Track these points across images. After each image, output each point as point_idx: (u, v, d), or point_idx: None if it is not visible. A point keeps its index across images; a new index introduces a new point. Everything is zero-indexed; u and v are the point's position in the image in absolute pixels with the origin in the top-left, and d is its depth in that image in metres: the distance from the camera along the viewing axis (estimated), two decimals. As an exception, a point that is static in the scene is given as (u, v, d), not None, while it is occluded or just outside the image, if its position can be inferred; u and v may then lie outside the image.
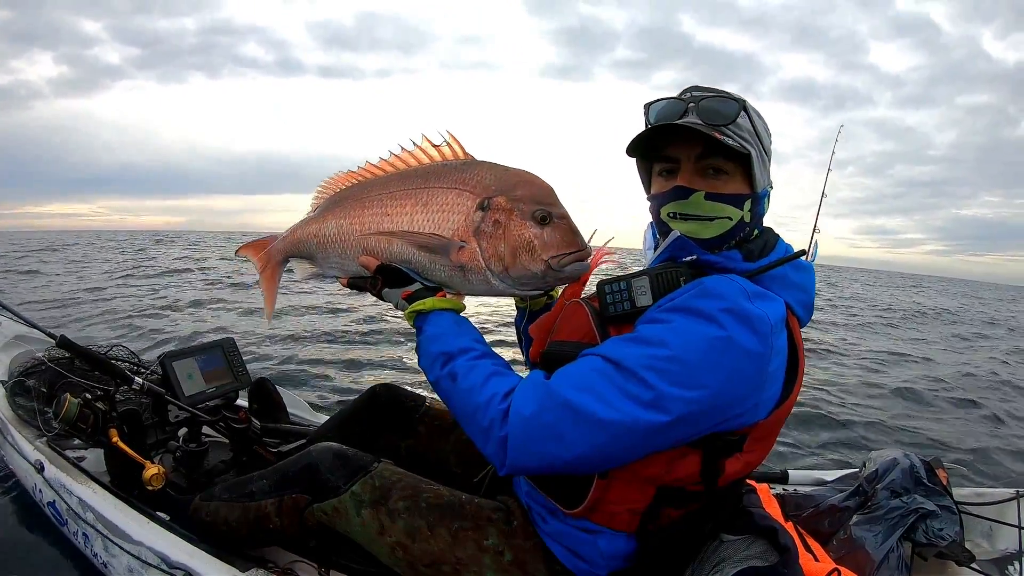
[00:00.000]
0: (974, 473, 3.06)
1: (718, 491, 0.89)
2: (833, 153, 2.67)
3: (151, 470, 1.32)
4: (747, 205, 0.92)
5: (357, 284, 1.08)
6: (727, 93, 0.91)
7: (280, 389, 2.05)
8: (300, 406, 2.24)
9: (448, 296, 1.00)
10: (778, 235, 1.00)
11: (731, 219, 0.92)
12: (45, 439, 1.64)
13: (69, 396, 1.37)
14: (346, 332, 5.98)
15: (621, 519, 0.90)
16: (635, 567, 0.91)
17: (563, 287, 1.06)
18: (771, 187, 0.96)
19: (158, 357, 1.80)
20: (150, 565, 1.24)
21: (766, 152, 0.93)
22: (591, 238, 1.01)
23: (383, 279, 1.02)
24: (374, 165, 1.09)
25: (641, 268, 0.95)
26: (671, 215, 0.93)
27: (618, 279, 0.92)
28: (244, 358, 1.93)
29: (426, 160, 1.04)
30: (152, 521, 1.31)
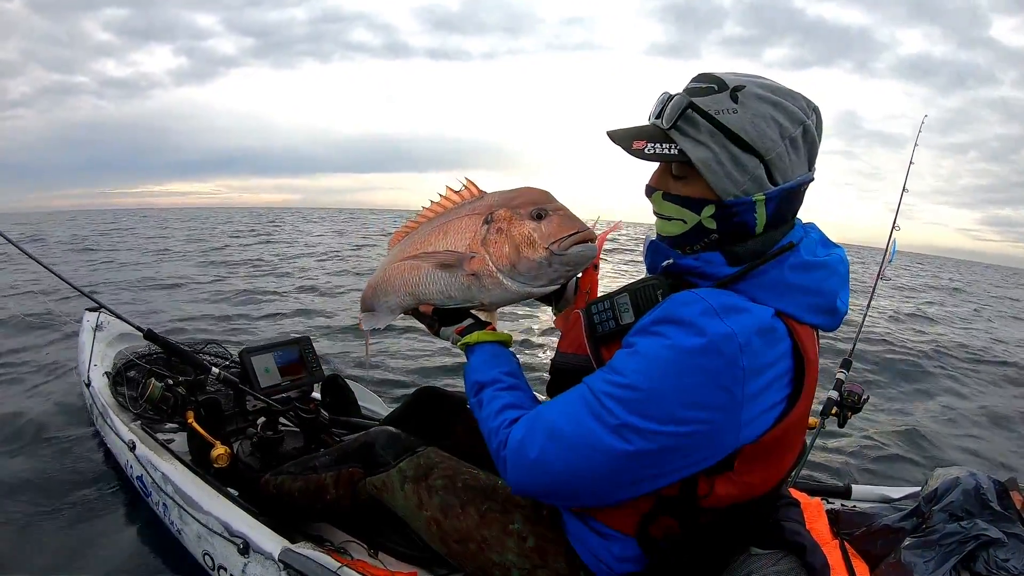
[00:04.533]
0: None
1: (705, 510, 0.85)
2: (916, 145, 2.50)
3: (218, 449, 1.47)
4: (707, 211, 0.84)
5: (417, 317, 1.18)
6: (702, 82, 0.83)
7: (353, 384, 2.20)
8: (372, 400, 2.37)
9: (498, 331, 1.09)
10: (796, 228, 0.89)
11: (685, 222, 0.87)
12: (139, 422, 1.86)
13: (154, 380, 1.54)
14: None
15: (628, 522, 0.90)
16: (648, 572, 0.91)
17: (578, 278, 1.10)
18: (763, 195, 0.82)
19: (238, 352, 1.99)
20: (215, 533, 1.39)
21: (754, 152, 0.80)
22: (595, 224, 1.03)
23: (440, 319, 1.12)
24: (411, 221, 1.23)
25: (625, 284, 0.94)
26: (653, 211, 0.94)
27: (603, 298, 0.93)
28: (321, 355, 2.09)
29: (450, 205, 1.16)
30: (221, 495, 1.46)
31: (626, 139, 0.86)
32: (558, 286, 1.05)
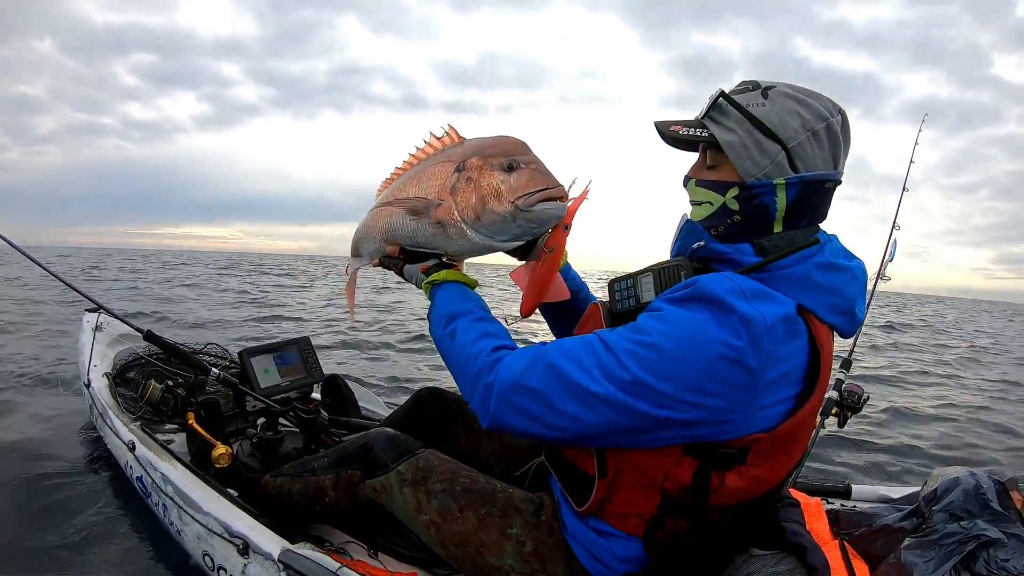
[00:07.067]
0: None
1: (712, 507, 0.86)
2: (917, 143, 2.49)
3: (219, 449, 1.48)
4: (731, 192, 0.89)
5: (384, 263, 1.18)
6: (740, 86, 0.91)
7: (354, 384, 2.20)
8: (373, 401, 2.38)
9: (464, 273, 1.08)
10: (819, 231, 0.92)
11: (712, 204, 0.91)
12: (139, 423, 1.85)
13: (154, 382, 1.55)
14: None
15: (631, 523, 0.91)
16: (647, 573, 0.91)
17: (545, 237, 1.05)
18: (784, 180, 0.86)
19: (238, 352, 1.99)
20: (215, 533, 1.39)
21: (776, 139, 0.85)
22: (571, 187, 1.00)
23: (406, 257, 1.13)
24: (398, 167, 1.22)
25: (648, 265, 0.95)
26: (689, 200, 0.98)
27: (627, 276, 0.95)
28: (321, 355, 2.09)
29: (432, 152, 1.15)
30: (221, 496, 1.46)
31: (666, 125, 0.94)
32: (523, 242, 1.04)
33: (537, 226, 0.99)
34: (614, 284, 0.95)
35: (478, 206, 0.98)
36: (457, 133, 1.12)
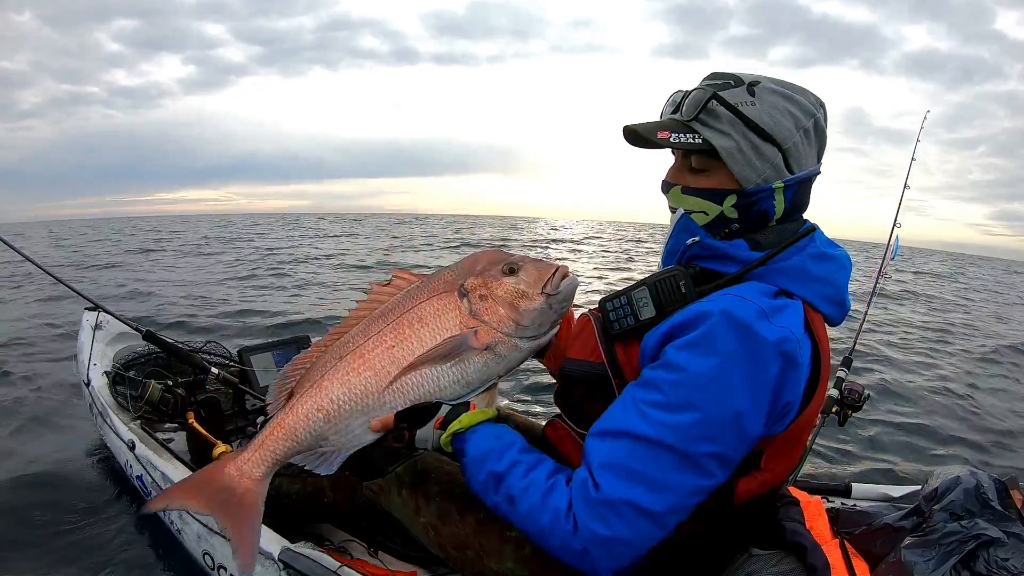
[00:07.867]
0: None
1: (736, 508, 0.87)
2: (918, 140, 2.51)
3: (220, 448, 1.48)
4: (729, 200, 0.86)
5: (389, 452, 1.04)
6: (717, 80, 0.86)
7: None
8: None
9: (478, 408, 0.98)
10: (806, 223, 0.92)
11: (707, 214, 0.89)
12: (139, 422, 1.85)
13: (153, 382, 1.55)
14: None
15: None
16: (649, 573, 0.91)
17: None
18: (782, 183, 0.85)
19: (237, 351, 1.99)
20: (215, 532, 1.39)
21: (773, 141, 0.83)
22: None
23: (409, 424, 0.97)
24: (337, 328, 1.05)
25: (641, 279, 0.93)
26: (669, 207, 0.95)
27: (619, 294, 0.92)
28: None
29: (386, 298, 1.04)
30: (220, 495, 1.46)
31: (650, 131, 0.87)
32: (559, 327, 1.02)
33: (565, 303, 0.98)
34: (606, 303, 0.93)
35: (512, 313, 0.95)
36: (409, 272, 1.05)
